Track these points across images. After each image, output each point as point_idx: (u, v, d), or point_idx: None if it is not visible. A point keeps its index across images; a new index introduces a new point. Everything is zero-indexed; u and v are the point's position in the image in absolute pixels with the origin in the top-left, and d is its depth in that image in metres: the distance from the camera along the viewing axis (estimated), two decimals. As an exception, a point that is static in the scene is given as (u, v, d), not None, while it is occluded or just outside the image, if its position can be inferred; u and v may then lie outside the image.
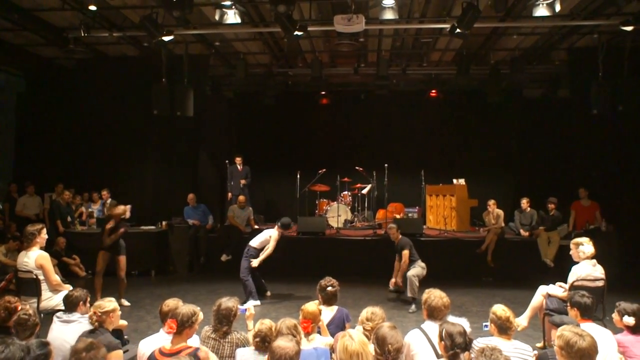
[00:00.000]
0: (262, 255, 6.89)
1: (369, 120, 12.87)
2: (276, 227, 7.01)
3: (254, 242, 7.00)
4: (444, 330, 2.98)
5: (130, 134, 10.21)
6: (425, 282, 6.48)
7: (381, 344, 2.90)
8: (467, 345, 2.97)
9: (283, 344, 2.75)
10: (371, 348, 2.85)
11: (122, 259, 6.73)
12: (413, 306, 6.68)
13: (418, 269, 6.90)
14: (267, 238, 6.96)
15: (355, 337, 2.81)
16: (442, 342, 2.96)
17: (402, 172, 10.97)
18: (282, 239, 7.14)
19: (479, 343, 3.15)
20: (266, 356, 2.97)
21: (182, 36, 8.62)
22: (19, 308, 3.59)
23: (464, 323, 3.24)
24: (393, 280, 7.13)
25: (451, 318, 3.44)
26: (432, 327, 3.36)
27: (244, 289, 6.84)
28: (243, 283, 6.86)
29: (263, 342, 3.17)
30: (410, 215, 10.92)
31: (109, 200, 9.38)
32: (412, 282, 6.70)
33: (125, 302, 6.72)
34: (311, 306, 3.75)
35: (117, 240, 6.67)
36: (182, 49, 9.25)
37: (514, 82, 10.66)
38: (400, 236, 7.26)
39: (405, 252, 6.95)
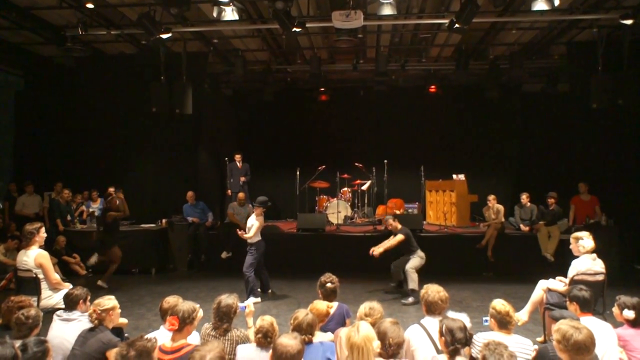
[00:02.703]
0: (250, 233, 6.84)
1: (368, 117, 12.85)
2: (255, 207, 6.93)
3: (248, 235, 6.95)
4: (444, 325, 2.97)
5: (129, 132, 10.22)
6: (426, 277, 6.45)
7: (382, 339, 2.90)
8: (467, 341, 2.97)
9: (286, 341, 2.73)
10: (376, 344, 2.82)
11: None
12: (410, 299, 6.69)
13: (417, 260, 6.95)
14: (253, 224, 6.88)
15: (361, 330, 2.80)
16: (443, 338, 2.96)
17: (401, 168, 10.95)
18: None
19: (479, 338, 3.15)
20: (268, 352, 2.96)
21: (180, 34, 8.61)
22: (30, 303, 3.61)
23: (464, 318, 3.24)
24: (374, 248, 7.01)
25: (451, 313, 3.45)
26: (431, 323, 3.35)
27: (245, 285, 6.83)
28: (245, 279, 6.84)
29: (265, 338, 3.16)
30: (410, 211, 10.92)
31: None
32: (411, 276, 6.78)
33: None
34: (321, 305, 3.73)
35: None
36: (181, 46, 9.23)
37: (513, 77, 10.63)
38: (400, 226, 7.25)
39: (398, 238, 6.95)
